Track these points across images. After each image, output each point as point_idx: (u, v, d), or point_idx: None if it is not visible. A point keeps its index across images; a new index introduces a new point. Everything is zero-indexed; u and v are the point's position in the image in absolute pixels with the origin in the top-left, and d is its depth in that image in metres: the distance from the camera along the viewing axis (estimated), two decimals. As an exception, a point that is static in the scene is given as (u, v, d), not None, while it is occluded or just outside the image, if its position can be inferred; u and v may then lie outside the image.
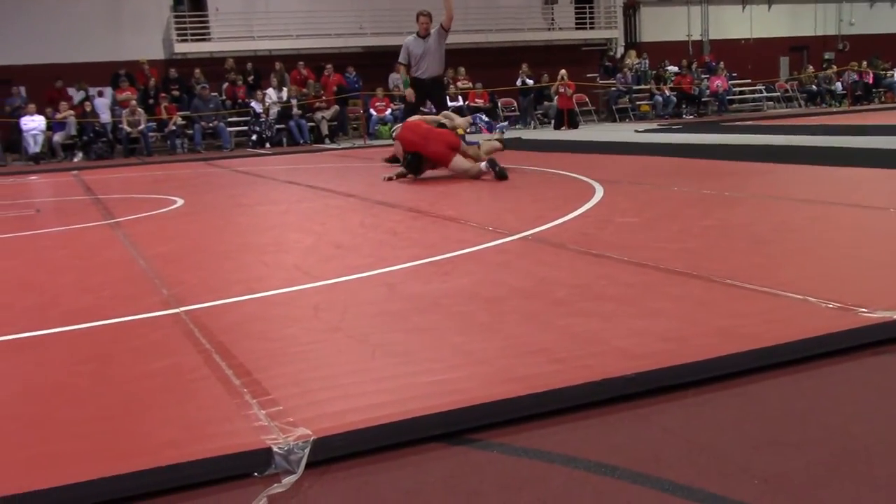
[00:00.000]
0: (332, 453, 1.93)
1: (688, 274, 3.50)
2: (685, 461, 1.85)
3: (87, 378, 2.62)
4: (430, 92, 10.84)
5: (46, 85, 18.49)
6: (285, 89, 19.21)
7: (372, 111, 19.42)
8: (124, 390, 2.48)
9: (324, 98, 19.20)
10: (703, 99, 22.81)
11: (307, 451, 1.91)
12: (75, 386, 2.55)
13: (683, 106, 22.42)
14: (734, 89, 24.25)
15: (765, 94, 24.86)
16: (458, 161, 8.43)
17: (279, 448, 1.92)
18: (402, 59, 10.76)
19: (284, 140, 18.62)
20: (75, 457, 2.00)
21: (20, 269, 4.81)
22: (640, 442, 1.96)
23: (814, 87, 24.67)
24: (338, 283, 3.79)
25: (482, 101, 20.39)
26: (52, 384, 2.58)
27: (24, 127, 16.99)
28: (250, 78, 19.93)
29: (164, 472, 1.88)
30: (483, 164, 8.43)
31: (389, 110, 19.39)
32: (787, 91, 25.06)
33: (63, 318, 3.41)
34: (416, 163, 8.46)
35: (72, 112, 17.58)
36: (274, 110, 18.79)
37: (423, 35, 10.55)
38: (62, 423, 2.25)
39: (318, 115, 18.61)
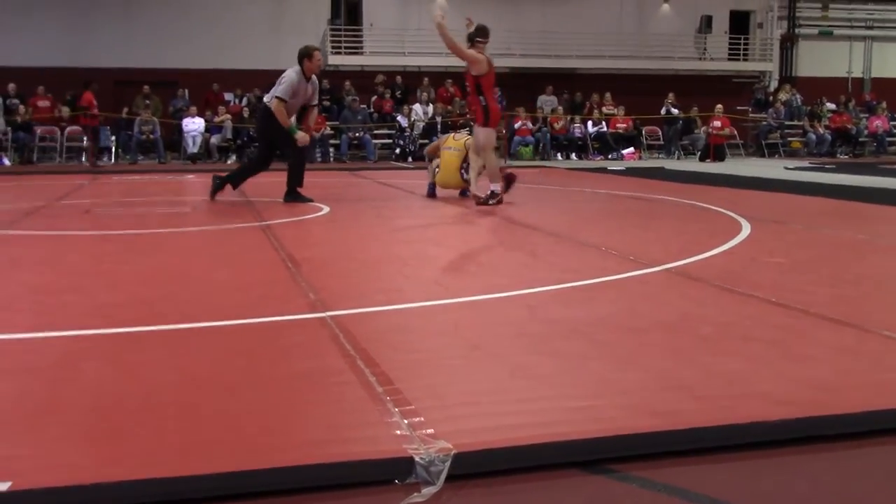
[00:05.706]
0: (471, 469, 1.96)
1: (840, 321, 3.36)
2: (835, 516, 1.78)
3: (238, 372, 2.74)
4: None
5: (207, 88, 19.46)
6: (431, 105, 19.55)
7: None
8: (271, 387, 2.58)
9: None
10: (861, 139, 21.79)
11: (448, 464, 1.94)
12: (226, 379, 2.68)
13: (838, 145, 21.48)
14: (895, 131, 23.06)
15: (929, 138, 23.53)
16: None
17: (421, 458, 1.95)
18: (285, 94, 8.60)
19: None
20: (223, 447, 2.10)
21: (179, 264, 5.07)
22: (787, 491, 1.90)
23: (983, 134, 23.17)
24: (478, 301, 3.83)
25: (625, 126, 20.14)
26: (205, 375, 2.72)
27: (185, 128, 17.93)
28: (398, 92, 20.38)
29: (308, 471, 1.95)
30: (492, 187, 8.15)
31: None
32: (953, 137, 23.61)
33: (216, 314, 3.57)
34: None
35: (229, 116, 18.42)
36: (419, 125, 19.14)
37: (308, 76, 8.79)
38: (212, 413, 2.36)
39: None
